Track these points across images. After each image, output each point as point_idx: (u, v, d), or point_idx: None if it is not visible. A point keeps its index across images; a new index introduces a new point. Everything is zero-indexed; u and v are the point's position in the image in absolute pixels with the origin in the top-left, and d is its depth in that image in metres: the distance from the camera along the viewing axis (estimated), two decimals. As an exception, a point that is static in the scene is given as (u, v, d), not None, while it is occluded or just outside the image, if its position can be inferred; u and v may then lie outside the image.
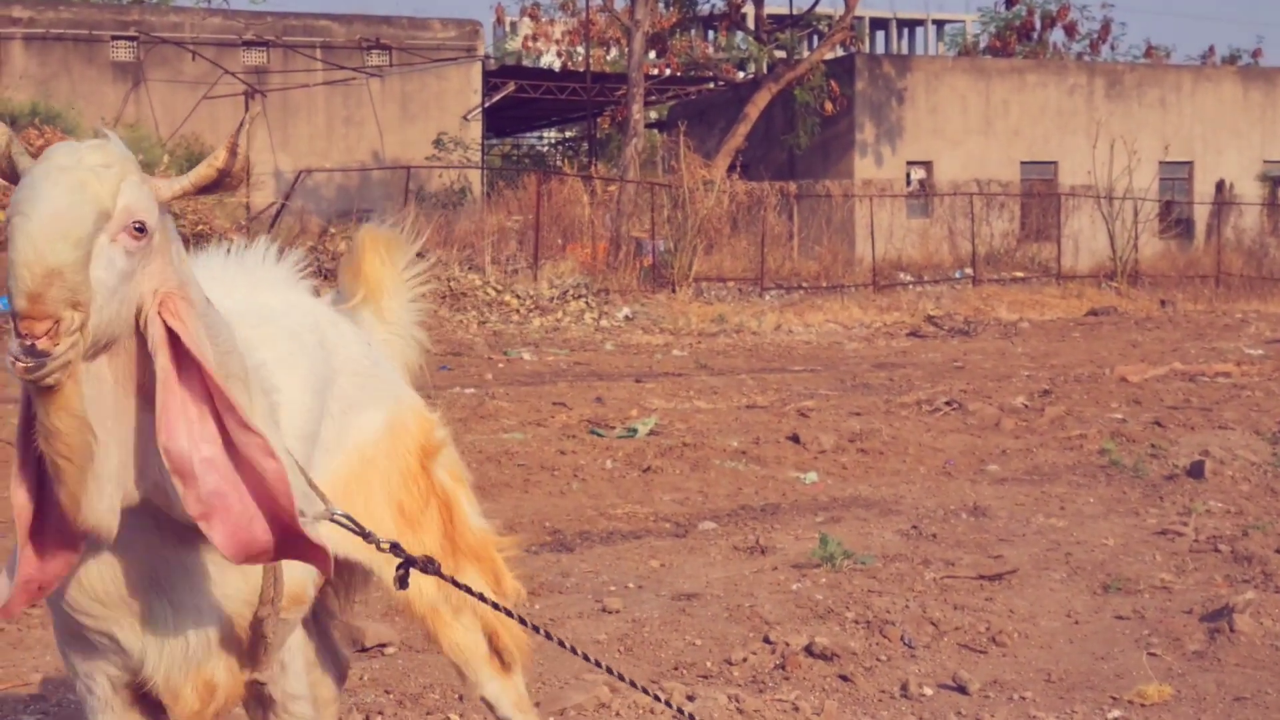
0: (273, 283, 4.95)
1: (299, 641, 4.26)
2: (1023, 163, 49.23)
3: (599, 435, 15.42)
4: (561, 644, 4.86)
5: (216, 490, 3.46)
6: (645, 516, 11.91)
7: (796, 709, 7.06)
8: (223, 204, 33.56)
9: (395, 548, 4.15)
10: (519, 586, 5.39)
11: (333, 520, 3.97)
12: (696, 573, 9.84)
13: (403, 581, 4.21)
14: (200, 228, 29.13)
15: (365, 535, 4.05)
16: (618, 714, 7.01)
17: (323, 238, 32.72)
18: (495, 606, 4.63)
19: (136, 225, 3.34)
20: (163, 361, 3.42)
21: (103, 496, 3.44)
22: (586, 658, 5.03)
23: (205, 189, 3.48)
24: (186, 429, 3.43)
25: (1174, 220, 49.36)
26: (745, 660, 7.84)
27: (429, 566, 4.27)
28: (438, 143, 46.10)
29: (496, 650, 5.21)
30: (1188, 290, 42.02)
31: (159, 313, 3.42)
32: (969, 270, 43.71)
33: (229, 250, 5.06)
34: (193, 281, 3.53)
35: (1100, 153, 46.44)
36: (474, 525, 5.23)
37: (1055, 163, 49.61)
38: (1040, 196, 47.94)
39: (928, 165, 48.34)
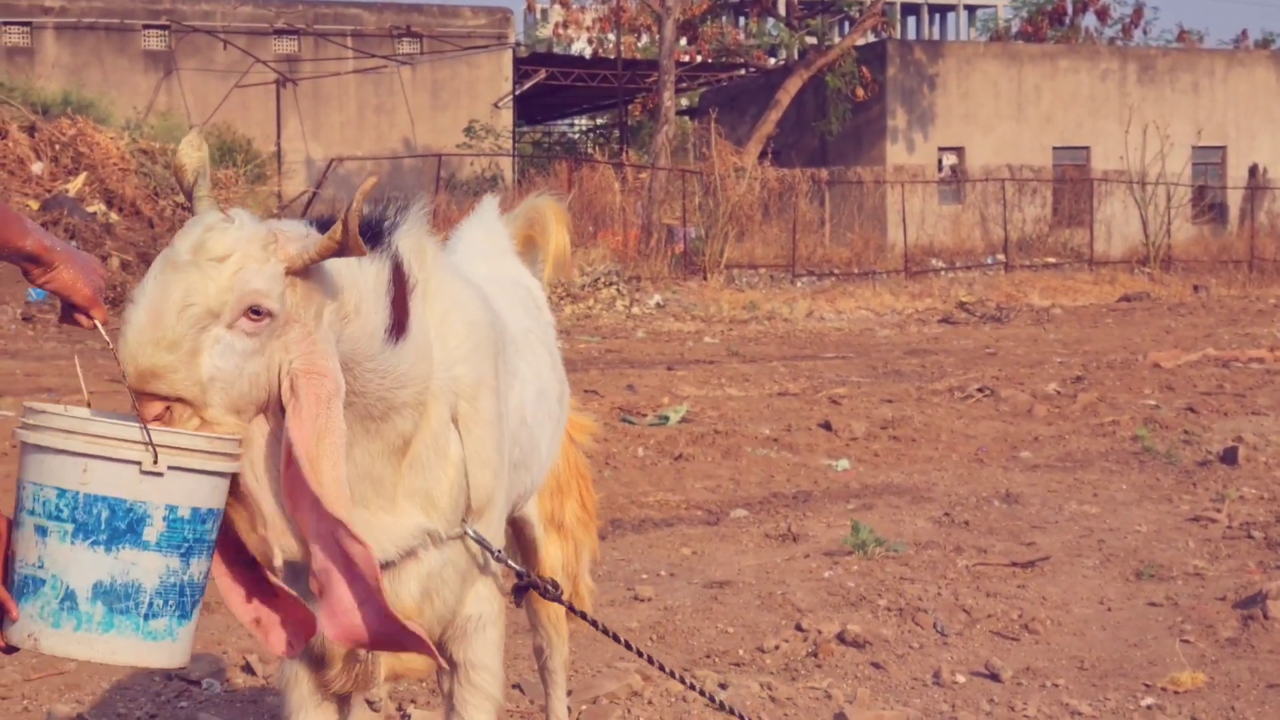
0: (503, 249, 5.47)
1: (495, 611, 4.36)
2: (1055, 148, 49.13)
3: (630, 423, 15.42)
4: (607, 631, 4.91)
5: (325, 568, 3.55)
6: (677, 504, 11.92)
7: (829, 696, 7.06)
8: (254, 193, 33.65)
9: (522, 576, 4.40)
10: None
11: (469, 537, 4.11)
12: (728, 560, 9.84)
13: (516, 597, 4.44)
14: (232, 216, 29.16)
15: (497, 556, 4.20)
16: (650, 702, 7.01)
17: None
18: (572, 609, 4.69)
19: (254, 310, 3.40)
20: (289, 433, 3.49)
21: (278, 537, 3.56)
22: (629, 645, 5.04)
23: (326, 258, 3.51)
24: (310, 504, 3.51)
25: (1207, 205, 49.21)
26: (777, 648, 7.84)
27: (549, 591, 4.51)
28: (469, 130, 46.16)
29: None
30: (1221, 275, 41.89)
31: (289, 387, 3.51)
32: (1001, 256, 43.63)
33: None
34: (329, 352, 3.56)
35: (1133, 138, 46.32)
36: (594, 494, 5.68)
37: (1088, 148, 49.51)
38: (1073, 182, 47.81)
39: (960, 151, 48.27)
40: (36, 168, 28.11)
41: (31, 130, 28.40)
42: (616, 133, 58.11)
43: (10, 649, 3.39)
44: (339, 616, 3.58)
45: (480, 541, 4.11)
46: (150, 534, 3.31)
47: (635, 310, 30.80)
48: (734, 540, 10.49)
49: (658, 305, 31.72)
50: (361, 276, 3.67)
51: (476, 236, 5.43)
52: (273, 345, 3.46)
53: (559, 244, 5.81)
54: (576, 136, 67.07)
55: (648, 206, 40.12)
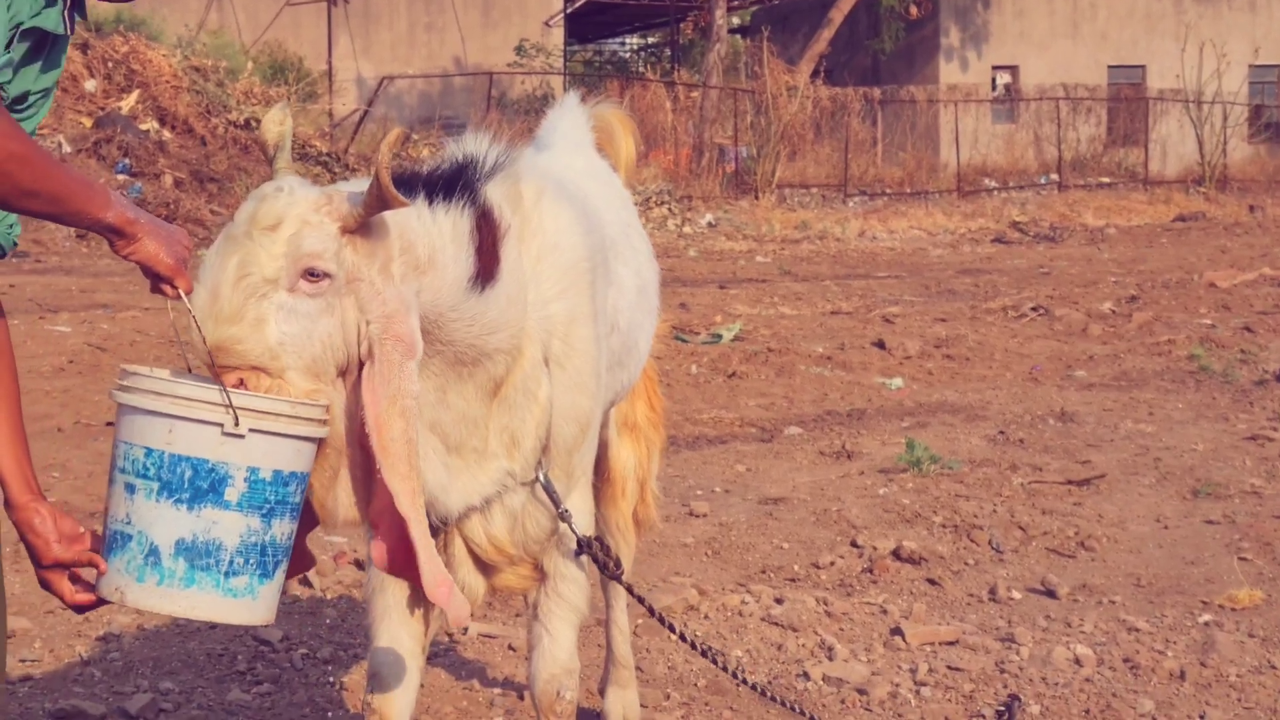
0: (590, 142, 5.56)
1: (585, 523, 4.43)
2: (1110, 66, 48.69)
3: (684, 341, 15.40)
4: (664, 621, 4.94)
5: (381, 510, 3.69)
6: (731, 421, 11.92)
7: (885, 612, 7.07)
8: (306, 111, 33.65)
9: (582, 546, 4.35)
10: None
11: (539, 483, 4.16)
12: (783, 477, 9.84)
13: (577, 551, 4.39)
14: (284, 135, 29.17)
15: (562, 515, 4.23)
16: (706, 616, 7.03)
17: (405, 144, 32.73)
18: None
19: (310, 272, 3.48)
20: (363, 395, 3.58)
21: (340, 501, 3.71)
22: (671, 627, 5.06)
23: (374, 214, 3.56)
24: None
25: (1263, 125, 48.79)
26: (833, 564, 7.85)
27: (608, 566, 4.48)
28: (519, 49, 45.98)
29: (637, 520, 5.62)
30: (1277, 195, 41.55)
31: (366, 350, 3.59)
32: (1055, 176, 43.38)
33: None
34: (404, 310, 3.60)
35: (1189, 56, 45.89)
36: (662, 398, 5.74)
37: (1143, 66, 49.06)
38: (1127, 101, 47.45)
39: (1013, 70, 47.91)
40: (90, 85, 28.13)
41: (84, 48, 28.39)
42: (668, 51, 57.88)
43: (100, 602, 3.47)
44: (388, 555, 3.74)
45: (549, 493, 4.16)
46: (231, 494, 3.38)
47: (687, 229, 30.74)
48: (788, 457, 10.49)
49: (709, 224, 31.65)
50: (435, 227, 3.72)
51: (567, 129, 5.49)
52: (344, 305, 3.53)
53: (627, 151, 5.87)
54: (628, 55, 66.80)
55: (699, 126, 39.99)
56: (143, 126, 27.35)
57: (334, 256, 3.50)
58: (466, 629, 6.72)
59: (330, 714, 5.87)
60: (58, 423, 11.19)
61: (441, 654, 6.43)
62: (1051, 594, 7.42)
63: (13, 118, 3.17)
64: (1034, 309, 17.78)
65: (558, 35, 48.20)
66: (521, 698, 6.01)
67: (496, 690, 6.16)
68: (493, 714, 5.91)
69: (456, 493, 3.97)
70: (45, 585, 3.48)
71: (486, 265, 3.79)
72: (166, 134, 27.66)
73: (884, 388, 13.44)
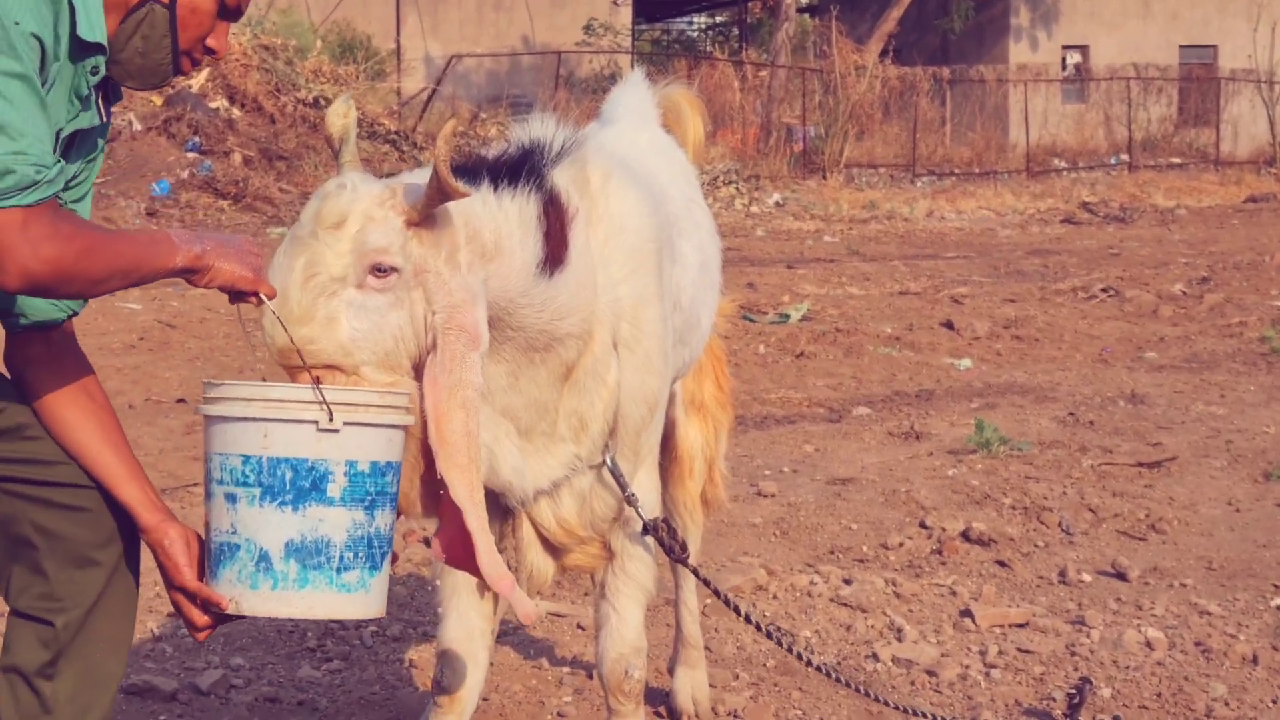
0: (655, 117, 5.61)
1: (654, 500, 4.48)
2: (1181, 46, 48.31)
3: (751, 320, 15.37)
4: (728, 601, 4.92)
5: (444, 506, 3.71)
6: (799, 401, 11.89)
7: (954, 593, 7.04)
8: (375, 90, 33.71)
9: (647, 528, 4.36)
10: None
11: (605, 466, 4.20)
12: (851, 458, 9.81)
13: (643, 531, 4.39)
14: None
15: (629, 499, 4.25)
16: (775, 596, 7.02)
17: (473, 124, 32.74)
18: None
19: (378, 268, 3.51)
20: (424, 386, 3.60)
21: (423, 491, 3.74)
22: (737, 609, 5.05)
23: (436, 206, 3.57)
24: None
25: (1336, 105, 48.37)
26: (902, 545, 7.82)
27: (674, 550, 4.46)
28: (588, 28, 45.93)
29: (705, 500, 5.65)
30: (1349, 176, 41.20)
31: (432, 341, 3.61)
32: (1125, 156, 43.08)
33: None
34: (471, 300, 3.61)
35: (1261, 36, 45.52)
36: (729, 377, 5.76)
37: (1215, 46, 48.65)
38: (1199, 81, 47.08)
39: (1084, 49, 47.61)
40: (160, 64, 28.25)
41: (155, 25, 28.50)
42: (736, 30, 57.80)
43: (221, 620, 3.53)
44: (447, 547, 3.74)
45: (616, 476, 4.18)
46: (334, 490, 3.41)
47: (754, 209, 30.67)
48: (856, 438, 10.46)
49: (777, 204, 31.57)
50: (501, 214, 3.74)
51: (631, 104, 5.51)
52: (412, 297, 3.56)
53: (695, 131, 5.87)
54: (695, 34, 66.71)
55: (767, 105, 39.89)
56: (212, 104, 27.43)
57: (400, 250, 3.52)
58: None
59: (400, 691, 5.89)
60: (129, 399, 11.25)
61: (510, 632, 6.44)
62: (1122, 576, 7.38)
63: (72, 216, 3.24)
64: (1104, 290, 17.67)
65: (626, 14, 48.14)
66: (590, 676, 6.02)
67: (565, 669, 6.17)
68: (561, 693, 5.91)
69: (530, 476, 4.00)
70: (175, 605, 3.55)
71: (555, 250, 3.80)
72: (236, 112, 27.74)
73: (953, 368, 13.40)
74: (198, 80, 27.77)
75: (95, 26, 3.35)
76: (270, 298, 3.46)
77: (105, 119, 3.56)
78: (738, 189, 31.88)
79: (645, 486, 4.36)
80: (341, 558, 3.42)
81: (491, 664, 4.60)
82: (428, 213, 3.55)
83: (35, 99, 3.12)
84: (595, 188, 4.06)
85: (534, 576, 4.25)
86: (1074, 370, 13.28)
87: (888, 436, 10.48)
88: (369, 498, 3.45)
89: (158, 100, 27.08)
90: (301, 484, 3.38)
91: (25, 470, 3.57)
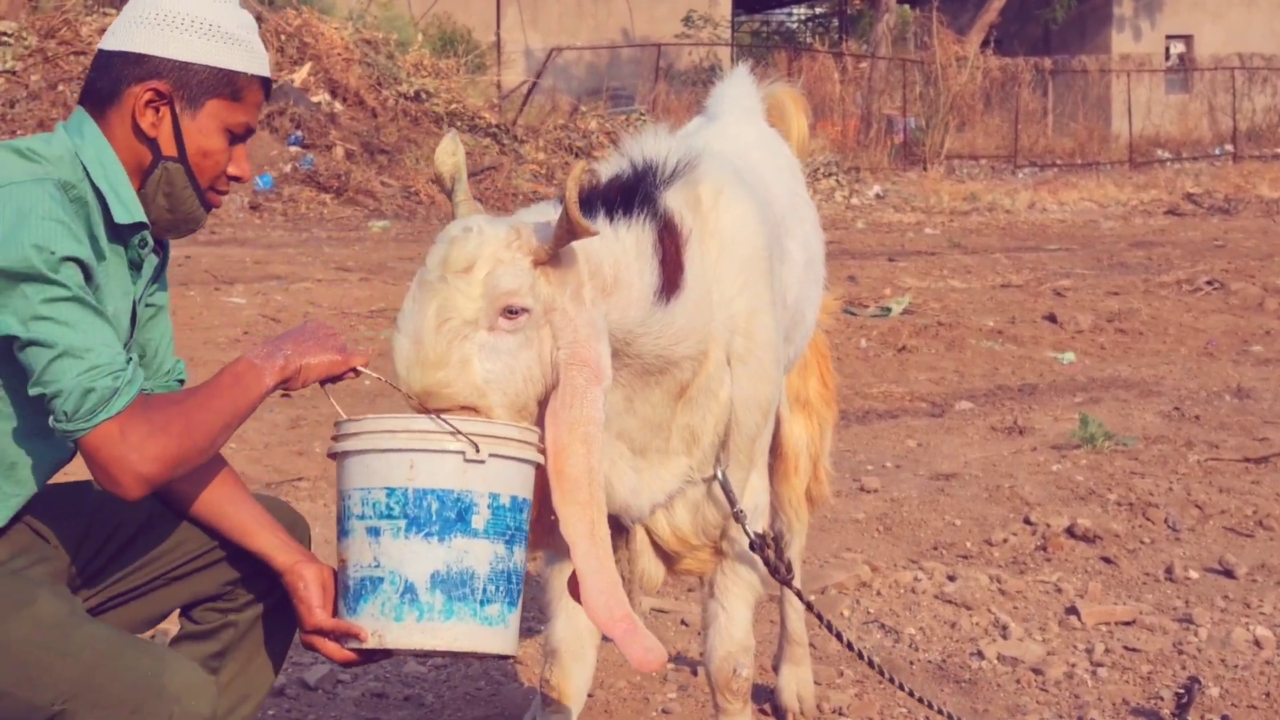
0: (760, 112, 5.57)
1: (766, 502, 4.50)
2: (1287, 35, 47.84)
3: (853, 314, 15.33)
4: (824, 621, 4.92)
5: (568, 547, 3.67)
6: (901, 396, 11.85)
7: (1059, 590, 7.00)
8: (475, 83, 33.80)
9: (754, 545, 4.31)
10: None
11: (716, 480, 4.18)
12: (954, 453, 9.77)
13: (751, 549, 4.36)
14: (454, 106, 29.35)
15: (737, 515, 4.22)
16: (879, 593, 7.00)
17: (573, 116, 32.80)
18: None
19: (509, 310, 3.52)
20: (545, 422, 3.61)
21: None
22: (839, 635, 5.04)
23: (564, 245, 3.58)
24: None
25: None
26: (1005, 541, 7.79)
27: (779, 570, 4.40)
28: (687, 20, 45.92)
29: (809, 497, 5.69)
30: None
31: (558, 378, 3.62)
32: (1229, 147, 42.68)
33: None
34: (594, 336, 3.62)
35: (1368, 25, 45.02)
36: (834, 374, 5.77)
37: (1321, 35, 48.16)
38: (1305, 71, 46.60)
39: (1188, 39, 47.21)
40: (262, 58, 28.42)
41: (258, 20, 28.69)
42: (836, 22, 57.58)
43: (364, 656, 3.54)
44: (573, 586, 3.67)
45: (726, 491, 4.18)
46: (478, 521, 3.42)
47: (854, 201, 30.57)
48: (959, 432, 10.42)
49: (877, 196, 31.45)
50: (618, 245, 3.75)
51: (736, 99, 5.49)
52: (540, 336, 3.57)
53: (799, 130, 5.85)
54: (795, 26, 66.53)
55: (867, 96, 39.78)
56: (314, 99, 27.58)
57: (529, 291, 3.53)
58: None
59: (505, 687, 5.91)
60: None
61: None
62: (1229, 574, 7.32)
63: (160, 402, 3.30)
64: (1209, 283, 17.50)
65: (725, 6, 48.09)
66: (695, 673, 6.02)
67: (669, 665, 6.17)
68: (666, 689, 5.92)
69: (646, 494, 4.00)
70: (308, 646, 3.58)
71: (671, 276, 3.80)
72: (338, 106, 27.88)
73: (1055, 362, 13.32)
74: (300, 75, 27.94)
75: (130, 206, 3.42)
76: (365, 365, 3.53)
77: (163, 255, 3.65)
78: (838, 181, 31.78)
79: (757, 488, 4.36)
80: (485, 590, 3.43)
81: (596, 660, 4.58)
82: (555, 252, 3.56)
83: (89, 310, 3.19)
84: (707, 205, 4.05)
85: (645, 581, 4.26)
86: (1178, 364, 13.17)
87: (990, 431, 10.43)
88: (509, 532, 3.46)
89: (260, 95, 27.23)
90: (447, 515, 3.39)
91: (157, 566, 3.70)
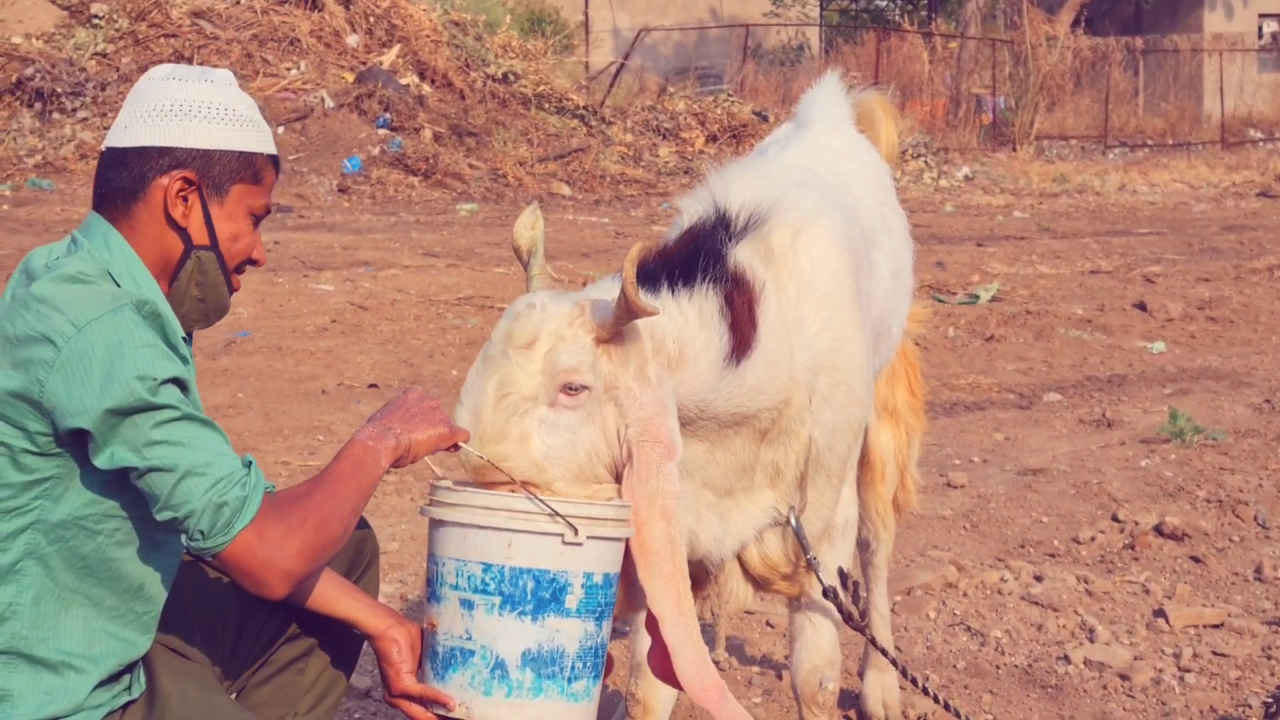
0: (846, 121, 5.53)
1: (855, 515, 4.56)
2: (1383, 13, 47.33)
3: (941, 301, 15.27)
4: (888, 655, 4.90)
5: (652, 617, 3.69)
6: (989, 387, 11.81)
7: (1147, 591, 6.96)
8: (563, 65, 33.82)
9: (827, 593, 4.33)
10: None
11: (792, 525, 4.18)
12: (1042, 447, 9.72)
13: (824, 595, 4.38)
14: (541, 88, 29.37)
15: (811, 563, 4.23)
16: (965, 594, 6.97)
17: (661, 97, 32.77)
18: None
19: (569, 386, 3.55)
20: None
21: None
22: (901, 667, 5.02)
23: (626, 324, 3.61)
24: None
25: None
26: (1093, 539, 7.75)
27: (852, 617, 4.40)
28: (776, 0, 45.84)
29: (896, 505, 5.71)
30: None
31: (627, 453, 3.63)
32: (1323, 126, 42.27)
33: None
34: (663, 411, 3.64)
35: None
36: (922, 383, 5.78)
37: None
38: (1400, 49, 46.07)
39: (1281, 17, 46.76)
40: (352, 40, 28.50)
41: (347, 3, 28.75)
42: (925, 1, 57.34)
43: None
44: (658, 655, 3.70)
45: (799, 537, 4.19)
46: (571, 601, 3.46)
47: (943, 183, 30.41)
48: (1047, 425, 10.37)
49: (966, 178, 31.29)
50: (681, 319, 3.76)
51: (826, 106, 5.47)
52: (604, 412, 3.59)
53: (889, 138, 5.85)
54: (884, 5, 66.26)
55: (956, 76, 39.59)
56: (403, 81, 27.65)
57: (590, 369, 3.56)
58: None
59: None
60: (321, 384, 11.40)
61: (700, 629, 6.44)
62: (1320, 574, 7.27)
63: (289, 499, 3.32)
64: (1301, 269, 17.34)
65: (814, -14, 47.93)
66: (780, 677, 6.02)
67: (754, 669, 6.17)
68: (751, 694, 5.92)
69: (730, 539, 4.03)
70: (393, 706, 3.63)
71: (743, 338, 3.82)
72: (426, 88, 27.93)
73: (1145, 352, 13.24)
74: (389, 57, 28.02)
75: (176, 325, 3.41)
76: (465, 441, 3.52)
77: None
78: (926, 163, 31.64)
79: (847, 501, 4.38)
80: (573, 667, 3.47)
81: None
82: (616, 329, 3.58)
83: (198, 424, 3.22)
84: (783, 249, 4.03)
85: (732, 601, 4.28)
86: (1270, 354, 13.06)
87: (1079, 424, 10.37)
88: (600, 608, 3.50)
89: (349, 77, 27.36)
90: (542, 595, 3.43)
91: (266, 642, 3.85)
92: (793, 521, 4.13)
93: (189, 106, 3.45)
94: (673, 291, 3.77)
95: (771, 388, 3.88)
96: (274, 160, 3.57)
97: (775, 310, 3.91)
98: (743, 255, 3.92)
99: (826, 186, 4.51)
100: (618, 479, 3.61)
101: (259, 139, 3.53)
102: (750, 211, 4.01)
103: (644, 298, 3.53)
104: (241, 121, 3.50)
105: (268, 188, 3.57)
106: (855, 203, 4.73)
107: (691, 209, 4.14)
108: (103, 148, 3.51)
